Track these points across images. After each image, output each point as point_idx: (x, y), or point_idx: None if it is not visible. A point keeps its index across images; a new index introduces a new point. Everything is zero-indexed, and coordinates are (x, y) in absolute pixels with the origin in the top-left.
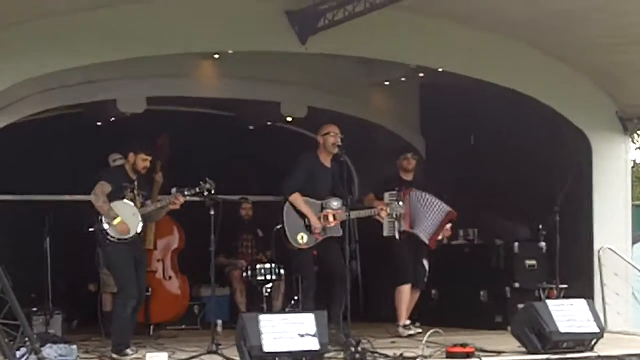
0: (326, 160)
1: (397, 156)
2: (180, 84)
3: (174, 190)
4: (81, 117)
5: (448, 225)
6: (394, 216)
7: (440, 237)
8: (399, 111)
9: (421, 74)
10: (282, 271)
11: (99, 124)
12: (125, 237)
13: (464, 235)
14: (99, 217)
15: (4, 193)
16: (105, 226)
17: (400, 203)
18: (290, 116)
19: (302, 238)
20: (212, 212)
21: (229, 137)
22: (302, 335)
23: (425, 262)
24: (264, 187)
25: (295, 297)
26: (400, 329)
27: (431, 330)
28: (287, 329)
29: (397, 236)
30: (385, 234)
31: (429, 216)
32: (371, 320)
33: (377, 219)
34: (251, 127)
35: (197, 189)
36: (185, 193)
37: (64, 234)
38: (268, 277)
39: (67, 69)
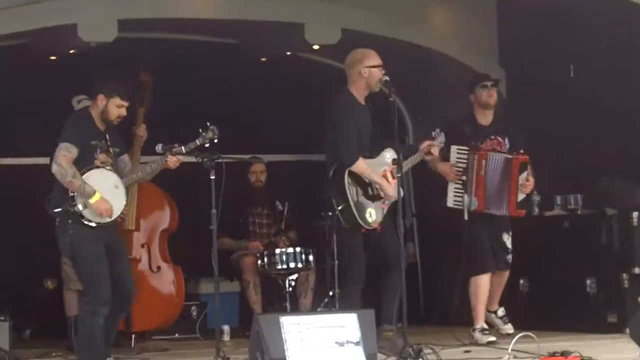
0: (362, 100)
1: (471, 88)
2: (164, 2)
3: (159, 147)
4: (29, 49)
5: (522, 176)
6: (462, 180)
7: (518, 198)
8: (469, 34)
9: None
10: (311, 257)
11: (52, 58)
12: (108, 220)
13: (563, 204)
14: (69, 194)
15: None
16: (80, 207)
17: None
18: (317, 43)
19: (371, 215)
20: (212, 177)
21: (233, 74)
22: (341, 344)
23: (507, 237)
24: (282, 143)
25: (330, 293)
26: (477, 334)
27: (519, 335)
28: (320, 335)
29: (465, 216)
30: (448, 204)
31: (504, 183)
32: (435, 324)
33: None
34: (263, 59)
35: (198, 141)
36: (183, 148)
37: (10, 211)
38: (292, 265)
39: None
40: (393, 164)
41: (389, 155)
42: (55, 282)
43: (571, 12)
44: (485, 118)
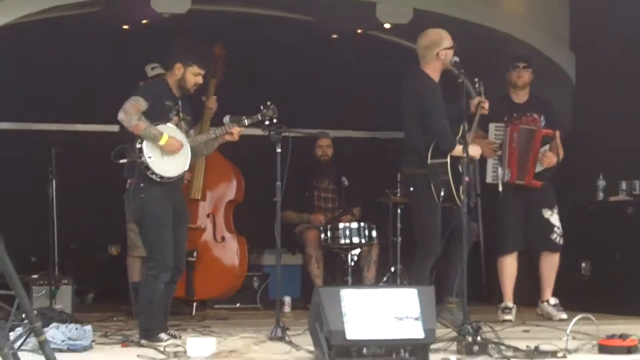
0: (437, 79)
1: (507, 67)
2: None
3: (227, 119)
4: (100, 18)
5: (544, 149)
6: (498, 155)
7: (536, 169)
8: (541, 17)
9: None
10: (374, 233)
11: (125, 27)
12: (174, 175)
13: (628, 190)
14: (136, 145)
15: None
16: (147, 158)
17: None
18: (388, 22)
19: (463, 192)
20: (278, 150)
21: (304, 50)
22: (400, 319)
23: (551, 213)
24: (350, 119)
25: (392, 269)
26: (499, 312)
27: (579, 316)
28: (379, 309)
29: (500, 188)
30: (487, 180)
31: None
32: (496, 302)
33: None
34: (334, 37)
35: (258, 117)
36: (245, 122)
37: (76, 176)
38: (355, 240)
39: None
40: (459, 143)
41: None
42: (119, 248)
43: None
44: (519, 97)
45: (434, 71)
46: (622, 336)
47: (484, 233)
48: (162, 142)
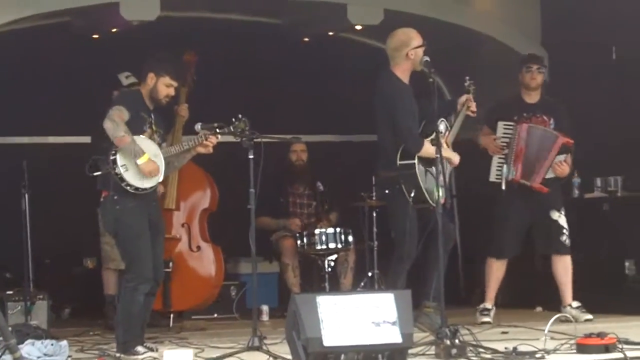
0: (407, 81)
1: (519, 68)
2: None
3: (198, 126)
4: (70, 28)
5: (561, 157)
6: (505, 154)
7: (546, 175)
8: (512, 15)
9: None
10: (350, 238)
11: (95, 37)
12: (148, 186)
13: (604, 186)
14: (110, 156)
15: None
16: (122, 169)
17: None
18: (360, 24)
19: (438, 192)
20: (251, 156)
21: (275, 54)
22: (377, 324)
23: (559, 215)
24: (323, 124)
25: (370, 274)
26: (477, 313)
27: (556, 316)
28: (356, 314)
29: (503, 186)
30: (491, 178)
31: (541, 154)
32: (476, 305)
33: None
34: (306, 39)
35: (230, 129)
36: (218, 130)
37: (49, 189)
38: (332, 245)
39: None
40: (432, 144)
41: (442, 126)
42: (95, 261)
43: None
44: (530, 97)
45: (403, 72)
46: (600, 335)
47: (462, 234)
48: (140, 161)
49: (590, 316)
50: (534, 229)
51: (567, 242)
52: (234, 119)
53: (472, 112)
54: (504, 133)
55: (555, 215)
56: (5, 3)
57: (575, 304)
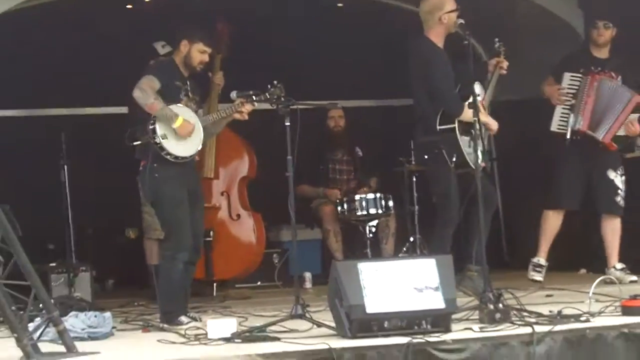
0: (442, 45)
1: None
2: None
3: (234, 94)
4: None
5: (634, 116)
6: (571, 104)
7: (618, 132)
8: None
9: None
10: (391, 203)
11: (129, 7)
12: (187, 154)
13: None
14: (149, 126)
15: (3, 108)
16: (161, 138)
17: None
18: None
19: (478, 156)
20: (287, 124)
21: (310, 20)
22: (419, 290)
23: (615, 174)
24: (360, 89)
25: (411, 239)
26: (530, 268)
27: (600, 278)
28: (398, 281)
29: (568, 135)
30: (552, 127)
31: (612, 109)
32: (519, 268)
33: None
34: (340, 5)
35: (265, 96)
36: (254, 98)
37: (88, 160)
38: (372, 211)
39: None
40: (469, 107)
41: (478, 88)
42: (137, 231)
43: None
44: (600, 53)
45: (437, 36)
46: None
47: (503, 197)
48: (176, 124)
49: (635, 277)
50: (589, 186)
51: (621, 202)
52: (269, 86)
53: (504, 71)
54: (570, 84)
55: (612, 174)
56: None
57: (620, 265)
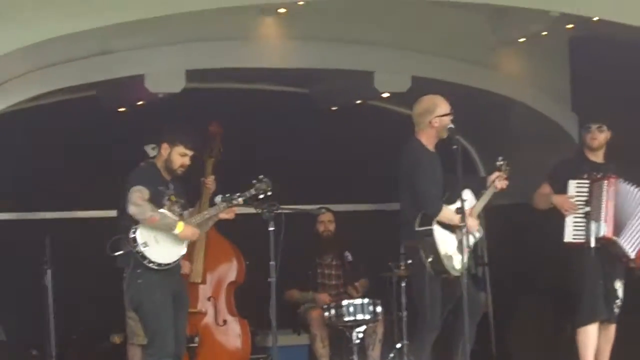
0: (432, 148)
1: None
2: (232, 52)
3: (218, 199)
4: (96, 101)
5: None
6: (585, 212)
7: None
8: (541, 80)
9: (569, 25)
10: (379, 309)
11: (121, 110)
12: (170, 261)
13: None
14: (130, 235)
15: None
16: (142, 247)
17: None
18: (386, 91)
19: (459, 262)
20: (271, 228)
21: (302, 124)
22: None
23: (620, 285)
24: (351, 193)
25: (398, 345)
26: None
27: None
28: None
29: (592, 244)
30: (566, 239)
31: (635, 213)
32: None
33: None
34: (334, 109)
35: (251, 192)
36: (238, 200)
37: (73, 264)
38: (360, 317)
39: (73, 34)
40: (457, 212)
41: (466, 196)
42: (122, 336)
43: None
44: (596, 157)
45: (427, 138)
46: None
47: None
48: (177, 230)
49: None
50: None
51: (618, 311)
52: (254, 181)
53: (502, 187)
54: (578, 192)
55: (617, 284)
56: (30, 78)
57: None
